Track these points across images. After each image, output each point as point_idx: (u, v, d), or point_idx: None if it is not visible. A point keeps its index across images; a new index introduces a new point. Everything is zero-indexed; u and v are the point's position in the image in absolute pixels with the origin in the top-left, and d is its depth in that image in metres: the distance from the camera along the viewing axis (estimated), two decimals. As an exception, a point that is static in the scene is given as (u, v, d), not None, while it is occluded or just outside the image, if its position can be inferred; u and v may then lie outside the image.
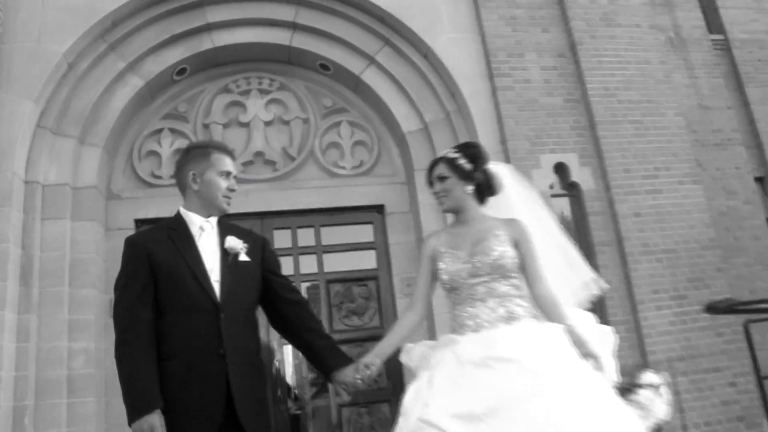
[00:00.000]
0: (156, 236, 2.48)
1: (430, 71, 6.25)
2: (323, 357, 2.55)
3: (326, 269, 6.27)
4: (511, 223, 2.61)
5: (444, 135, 6.27)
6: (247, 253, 2.51)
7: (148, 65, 5.99)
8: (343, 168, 6.53)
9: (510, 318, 2.42)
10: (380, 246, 6.49)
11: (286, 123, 6.52)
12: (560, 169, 5.92)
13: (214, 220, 2.58)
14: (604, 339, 2.56)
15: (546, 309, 2.49)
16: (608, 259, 5.66)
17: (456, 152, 2.65)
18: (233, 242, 2.49)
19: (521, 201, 2.76)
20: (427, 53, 6.20)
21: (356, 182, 6.51)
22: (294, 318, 2.62)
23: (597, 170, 5.92)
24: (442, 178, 2.64)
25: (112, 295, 5.48)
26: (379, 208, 6.51)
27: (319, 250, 6.33)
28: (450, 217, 6.00)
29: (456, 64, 6.09)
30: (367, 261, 6.50)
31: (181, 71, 6.19)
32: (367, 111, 6.65)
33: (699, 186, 6.03)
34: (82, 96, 5.70)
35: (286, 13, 6.20)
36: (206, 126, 6.29)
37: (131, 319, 2.32)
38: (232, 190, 2.58)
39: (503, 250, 2.50)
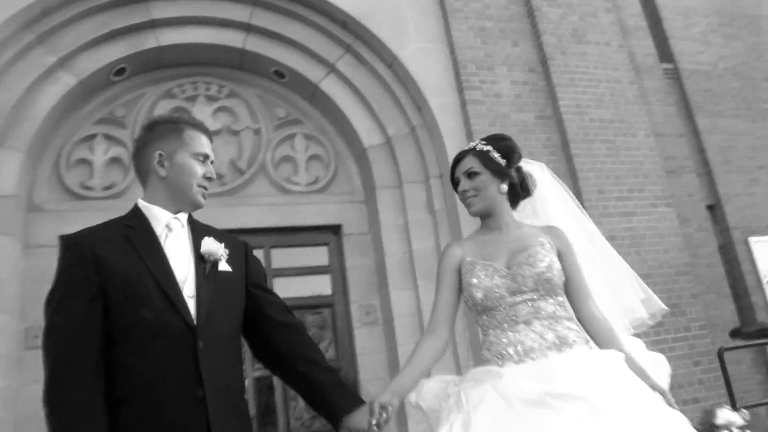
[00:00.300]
0: (107, 235, 1.85)
1: (395, 82, 5.84)
2: (330, 398, 1.96)
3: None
4: (552, 231, 2.18)
5: (408, 150, 5.86)
6: (228, 261, 1.94)
7: (83, 62, 5.29)
8: (297, 184, 6.00)
9: (562, 344, 1.96)
10: (336, 270, 5.97)
11: (236, 133, 5.94)
12: (533, 188, 5.58)
13: (184, 217, 1.99)
14: (659, 369, 2.14)
15: (598, 333, 2.05)
16: (584, 284, 5.32)
17: (486, 144, 2.20)
18: (212, 246, 1.90)
19: (559, 204, 2.33)
20: (392, 63, 5.79)
21: (311, 200, 5.98)
22: (289, 347, 2.03)
23: (570, 191, 5.60)
24: (472, 174, 2.17)
25: (29, 324, 4.73)
26: (336, 229, 6.00)
27: (270, 273, 5.72)
28: (423, 235, 5.59)
29: (423, 76, 5.70)
30: (321, 286, 5.95)
31: (120, 71, 5.53)
32: (324, 123, 6.16)
33: (672, 209, 5.83)
34: (2, 92, 4.95)
35: (240, 13, 5.66)
36: (146, 133, 5.62)
37: (71, 347, 1.67)
38: (210, 179, 2.00)
39: (551, 261, 2.05)
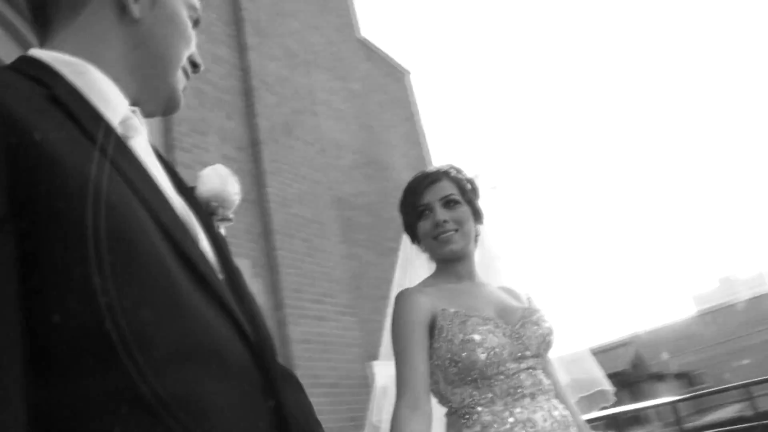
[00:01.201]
0: (21, 94, 0.62)
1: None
2: None
3: None
4: (513, 292, 1.72)
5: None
6: None
7: None
8: None
9: (568, 426, 1.47)
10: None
11: None
12: (232, 276, 4.93)
13: (141, 121, 0.82)
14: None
15: (574, 413, 1.62)
16: (277, 390, 4.75)
17: (457, 172, 1.67)
18: (230, 187, 0.99)
19: (508, 260, 1.86)
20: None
21: None
22: (292, 415, 0.80)
23: (269, 285, 5.11)
24: (452, 203, 1.60)
25: None
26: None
27: None
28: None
29: (125, 120, 4.70)
30: None
31: None
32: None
33: (356, 319, 5.76)
34: None
35: None
36: None
37: None
38: (197, 67, 0.91)
39: (551, 323, 1.59)
